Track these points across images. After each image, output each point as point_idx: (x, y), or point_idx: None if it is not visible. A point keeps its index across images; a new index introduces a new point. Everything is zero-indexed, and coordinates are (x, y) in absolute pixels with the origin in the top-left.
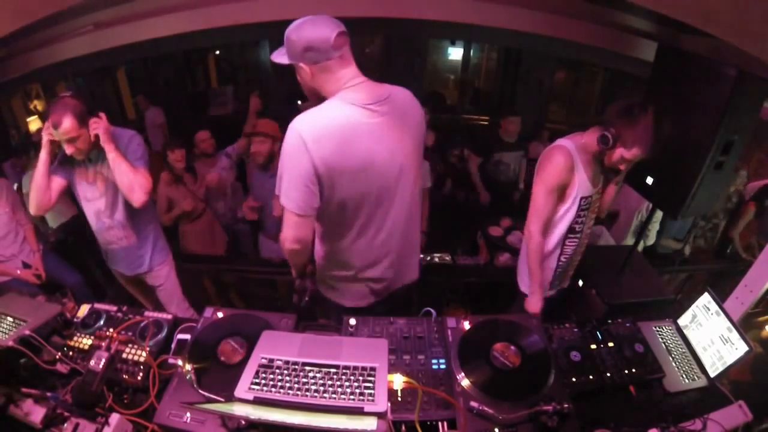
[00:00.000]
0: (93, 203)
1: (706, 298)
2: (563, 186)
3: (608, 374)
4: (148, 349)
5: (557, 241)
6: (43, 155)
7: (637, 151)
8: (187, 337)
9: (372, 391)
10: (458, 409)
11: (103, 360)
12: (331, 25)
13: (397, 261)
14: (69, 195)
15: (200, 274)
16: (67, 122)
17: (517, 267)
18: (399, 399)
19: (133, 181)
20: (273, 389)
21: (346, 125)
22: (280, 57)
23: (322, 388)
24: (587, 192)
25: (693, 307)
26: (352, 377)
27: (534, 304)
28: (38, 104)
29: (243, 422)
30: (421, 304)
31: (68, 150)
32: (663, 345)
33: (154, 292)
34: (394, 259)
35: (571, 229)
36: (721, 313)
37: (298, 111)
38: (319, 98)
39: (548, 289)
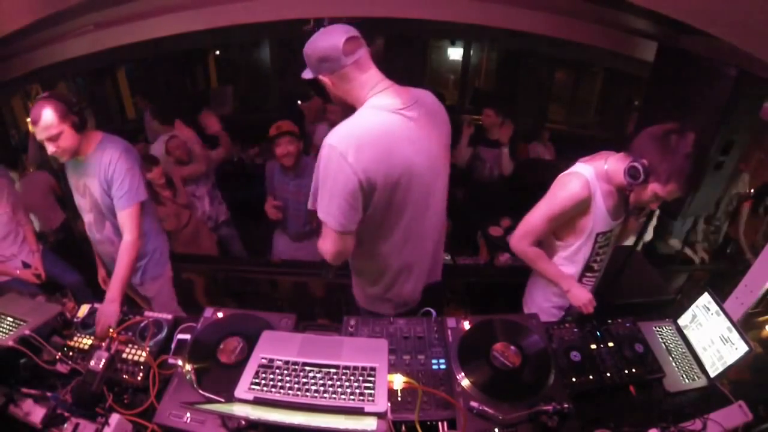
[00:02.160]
0: (85, 215)
1: (706, 298)
2: (567, 217)
3: (608, 374)
4: (148, 349)
5: None
6: None
7: (673, 187)
8: (187, 337)
9: (372, 392)
10: (458, 409)
11: (103, 360)
12: (340, 32)
13: (425, 275)
14: (59, 199)
15: (199, 275)
16: (48, 114)
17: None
18: (399, 399)
19: (135, 256)
20: (273, 389)
21: (383, 133)
22: (306, 74)
23: (322, 389)
24: (605, 227)
25: (693, 307)
26: (352, 377)
27: (578, 297)
28: None
29: (243, 422)
30: (421, 304)
31: (50, 149)
32: (663, 345)
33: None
34: (422, 272)
35: (588, 268)
36: (721, 313)
37: (299, 111)
38: (347, 107)
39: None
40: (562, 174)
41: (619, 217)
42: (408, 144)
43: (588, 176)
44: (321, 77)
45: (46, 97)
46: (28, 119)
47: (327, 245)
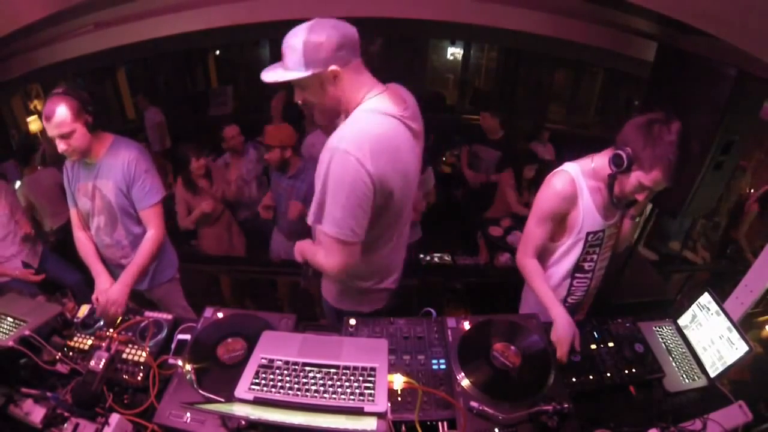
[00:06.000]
0: (92, 219)
1: (706, 298)
2: (558, 217)
3: (608, 374)
4: (148, 349)
5: (561, 280)
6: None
7: (657, 174)
8: (187, 337)
9: (372, 392)
10: (458, 409)
11: (103, 360)
12: (345, 23)
13: (401, 267)
14: (64, 196)
15: (200, 275)
16: (62, 111)
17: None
18: (399, 399)
19: (157, 249)
20: (273, 389)
21: (391, 138)
22: (285, 73)
23: (322, 389)
24: (596, 226)
25: (693, 307)
26: (352, 377)
27: (562, 327)
28: (38, 104)
29: (243, 422)
30: (421, 304)
31: (61, 147)
32: (663, 345)
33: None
34: (400, 266)
35: (578, 268)
36: (721, 313)
37: (299, 111)
38: (334, 113)
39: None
40: (548, 175)
41: (611, 217)
42: (407, 151)
43: (573, 173)
44: (331, 68)
45: (60, 93)
46: (29, 118)
47: (335, 259)
